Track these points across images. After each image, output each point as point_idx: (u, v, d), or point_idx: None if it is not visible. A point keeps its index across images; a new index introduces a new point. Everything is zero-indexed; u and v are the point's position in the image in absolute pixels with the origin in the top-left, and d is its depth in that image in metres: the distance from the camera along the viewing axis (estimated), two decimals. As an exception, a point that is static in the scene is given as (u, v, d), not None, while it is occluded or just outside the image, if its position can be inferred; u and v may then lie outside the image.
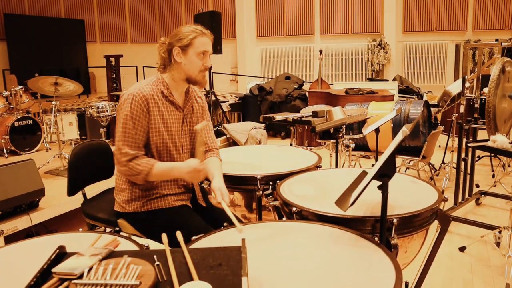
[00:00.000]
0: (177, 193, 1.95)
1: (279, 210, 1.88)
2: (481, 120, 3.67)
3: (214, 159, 2.01)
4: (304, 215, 1.66)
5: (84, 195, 2.22)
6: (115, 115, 4.77)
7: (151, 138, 1.84)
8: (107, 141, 4.93)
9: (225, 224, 1.66)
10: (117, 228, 1.86)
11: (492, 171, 4.80)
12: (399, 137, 1.46)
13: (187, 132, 1.98)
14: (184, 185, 1.98)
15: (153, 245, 1.44)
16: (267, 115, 3.78)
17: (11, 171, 2.88)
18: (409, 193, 1.86)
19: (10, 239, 2.80)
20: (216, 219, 1.92)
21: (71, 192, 2.12)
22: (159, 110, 1.84)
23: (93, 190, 2.30)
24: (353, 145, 3.58)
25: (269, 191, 2.06)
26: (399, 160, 4.27)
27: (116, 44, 11.41)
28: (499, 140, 2.75)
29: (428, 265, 1.81)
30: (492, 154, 4.81)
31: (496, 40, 3.68)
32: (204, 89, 6.45)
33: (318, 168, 2.29)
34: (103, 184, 2.34)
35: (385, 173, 1.40)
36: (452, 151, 4.37)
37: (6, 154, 4.78)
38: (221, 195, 1.76)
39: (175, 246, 1.30)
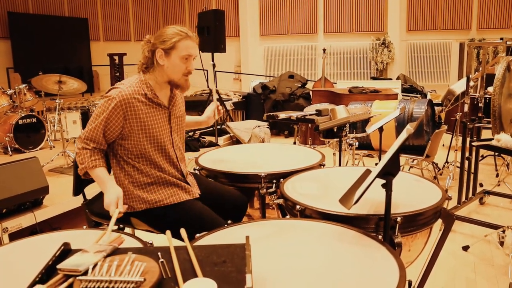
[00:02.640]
0: (183, 188, 1.96)
1: (283, 208, 1.88)
2: (485, 119, 3.66)
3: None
4: (307, 213, 1.66)
5: (84, 194, 2.22)
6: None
7: (136, 141, 1.84)
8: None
9: (229, 221, 1.66)
10: (121, 226, 1.86)
11: (496, 170, 4.78)
12: (404, 135, 1.45)
13: (176, 128, 1.98)
14: (181, 182, 2.00)
15: (158, 242, 1.44)
16: (271, 114, 3.78)
17: (15, 169, 2.90)
18: (413, 191, 1.86)
19: (15, 236, 2.81)
20: (215, 205, 1.96)
21: (77, 191, 2.12)
22: (141, 112, 1.82)
23: (92, 189, 2.28)
24: (357, 143, 3.58)
25: (273, 189, 2.07)
26: (402, 159, 4.26)
27: (120, 42, 11.43)
28: (503, 139, 2.73)
29: (431, 264, 1.80)
30: (496, 153, 4.79)
31: (501, 39, 3.68)
32: (208, 87, 6.46)
33: (322, 167, 2.29)
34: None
35: (389, 172, 1.39)
36: (456, 150, 4.36)
37: (10, 152, 4.80)
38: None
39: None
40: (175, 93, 1.99)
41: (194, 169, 2.33)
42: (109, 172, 2.31)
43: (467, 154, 3.59)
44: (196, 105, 6.39)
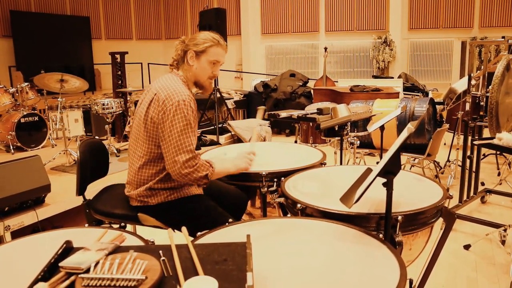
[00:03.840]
0: (191, 184, 1.99)
1: (284, 207, 1.89)
2: (487, 118, 3.65)
3: None
4: (308, 212, 1.66)
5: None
6: (120, 111, 4.78)
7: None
8: (112, 137, 4.96)
9: (230, 220, 1.67)
10: (122, 224, 1.87)
11: (498, 169, 4.78)
12: (404, 134, 1.46)
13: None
14: None
15: (159, 240, 1.45)
16: (272, 112, 3.78)
17: (17, 167, 2.90)
18: (414, 190, 1.86)
19: (17, 234, 2.82)
20: (216, 202, 1.99)
21: (81, 191, 2.13)
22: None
23: (90, 188, 2.28)
24: (358, 142, 3.58)
25: (274, 188, 2.07)
26: (404, 157, 4.26)
27: (121, 41, 11.44)
28: (505, 138, 2.73)
29: (432, 262, 1.81)
30: (498, 152, 4.79)
31: (503, 37, 3.66)
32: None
33: (323, 165, 2.30)
34: (99, 182, 2.33)
35: (390, 170, 1.40)
36: (458, 149, 4.35)
37: (12, 150, 4.81)
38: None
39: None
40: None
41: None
42: (107, 172, 2.33)
43: (468, 153, 3.58)
44: (197, 104, 6.38)
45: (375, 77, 9.12)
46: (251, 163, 1.98)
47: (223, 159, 2.00)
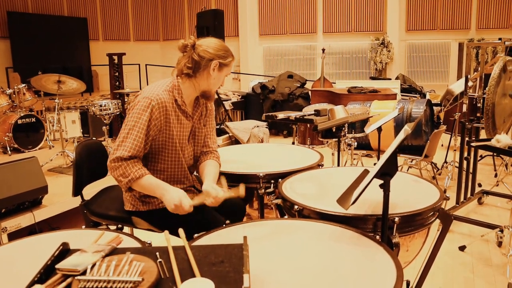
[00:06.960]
0: (186, 189, 1.97)
1: (281, 208, 1.89)
2: (484, 119, 3.67)
3: (212, 162, 2.00)
4: (305, 214, 1.66)
5: (81, 194, 2.21)
6: (117, 113, 4.77)
7: (160, 145, 1.85)
8: (109, 139, 4.95)
9: (228, 222, 1.67)
10: (120, 226, 1.86)
11: (495, 170, 4.79)
12: (401, 136, 1.46)
13: (194, 139, 1.99)
14: (188, 182, 2.01)
15: (156, 242, 1.45)
16: (270, 114, 3.78)
17: (14, 169, 2.90)
18: (411, 191, 1.87)
19: (14, 236, 2.81)
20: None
21: (77, 192, 2.12)
22: (172, 119, 1.83)
23: (89, 189, 2.27)
24: (355, 143, 3.58)
25: (271, 189, 2.07)
26: (401, 159, 4.27)
27: (119, 42, 11.43)
28: (503, 140, 2.74)
29: (429, 264, 1.81)
30: (495, 154, 4.80)
31: (500, 39, 3.68)
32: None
33: (320, 167, 2.30)
34: (99, 183, 2.32)
35: (387, 172, 1.40)
36: (455, 150, 4.36)
37: (9, 152, 4.80)
38: (215, 191, 1.73)
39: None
40: (200, 103, 1.99)
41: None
42: (106, 173, 2.32)
43: (465, 154, 3.59)
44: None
45: (372, 78, 9.14)
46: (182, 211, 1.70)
47: (161, 185, 1.75)
